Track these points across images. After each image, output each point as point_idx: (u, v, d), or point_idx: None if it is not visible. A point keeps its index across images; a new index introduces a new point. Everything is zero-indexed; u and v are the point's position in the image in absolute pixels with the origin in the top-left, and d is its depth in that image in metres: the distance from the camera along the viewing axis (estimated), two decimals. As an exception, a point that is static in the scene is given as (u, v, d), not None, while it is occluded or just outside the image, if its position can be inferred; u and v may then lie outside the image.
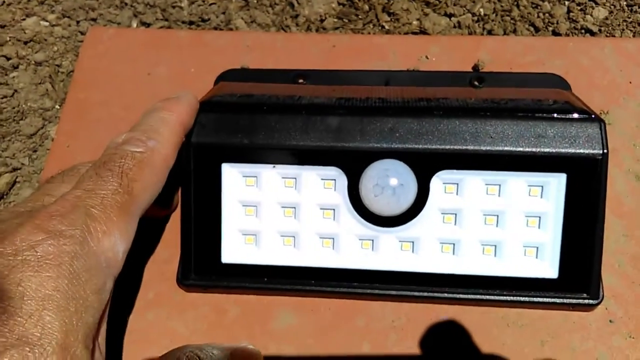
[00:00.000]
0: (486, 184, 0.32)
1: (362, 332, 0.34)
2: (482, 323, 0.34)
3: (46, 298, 0.23)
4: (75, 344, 0.23)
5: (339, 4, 0.48)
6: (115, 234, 0.26)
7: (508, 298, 0.33)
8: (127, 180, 0.27)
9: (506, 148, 0.32)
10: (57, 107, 0.46)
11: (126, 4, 0.49)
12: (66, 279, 0.23)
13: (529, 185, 0.32)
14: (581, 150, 0.31)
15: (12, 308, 0.22)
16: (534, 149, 0.32)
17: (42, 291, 0.23)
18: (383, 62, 0.42)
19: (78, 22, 0.49)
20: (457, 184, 0.33)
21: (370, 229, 0.33)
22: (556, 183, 0.32)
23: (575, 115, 0.32)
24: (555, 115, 0.32)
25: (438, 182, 0.32)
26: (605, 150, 0.31)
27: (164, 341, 0.34)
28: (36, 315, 0.22)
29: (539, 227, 0.32)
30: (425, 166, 0.32)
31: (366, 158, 0.32)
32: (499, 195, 0.32)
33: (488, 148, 0.32)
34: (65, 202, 0.26)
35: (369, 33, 0.47)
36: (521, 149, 0.32)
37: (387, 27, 0.47)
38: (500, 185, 0.32)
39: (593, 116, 0.32)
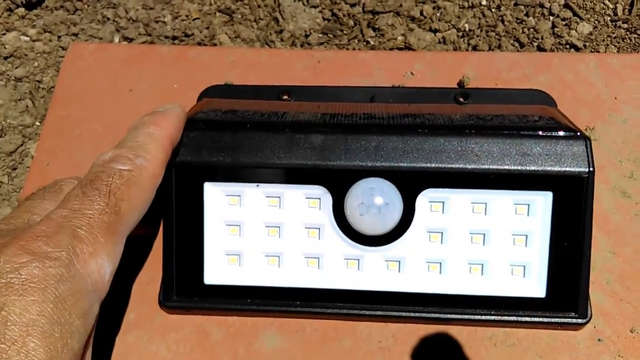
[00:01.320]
0: (472, 202, 0.32)
1: (349, 354, 0.33)
2: (469, 343, 0.33)
3: (30, 323, 0.22)
4: None
5: (324, 19, 0.48)
6: (102, 255, 0.25)
7: (495, 317, 0.32)
8: (115, 199, 0.27)
9: (492, 166, 0.31)
10: (37, 123, 0.45)
11: (108, 18, 0.48)
12: (51, 303, 0.23)
13: (515, 204, 0.32)
14: (567, 169, 0.31)
15: None
16: (519, 167, 0.31)
17: (26, 316, 0.22)
18: (368, 79, 0.42)
19: (59, 37, 0.48)
20: (443, 202, 0.32)
21: (356, 249, 0.32)
22: (542, 201, 0.31)
23: (561, 133, 0.32)
24: (540, 132, 0.32)
25: (424, 200, 0.32)
26: (591, 169, 0.31)
27: (146, 365, 0.33)
28: (20, 341, 0.21)
29: (525, 246, 0.32)
30: (410, 185, 0.32)
31: (351, 176, 0.32)
32: (485, 214, 0.32)
33: (474, 166, 0.31)
34: (50, 222, 0.25)
35: (354, 48, 0.47)
36: (507, 167, 0.31)
37: (372, 42, 0.47)
38: (486, 203, 0.32)
39: (578, 134, 0.32)
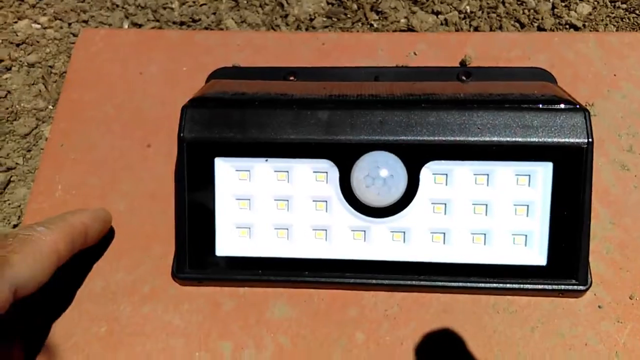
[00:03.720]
0: (475, 174, 0.33)
1: (356, 322, 0.34)
2: (473, 310, 0.34)
3: None
4: None
5: (328, 3, 0.49)
6: None
7: (498, 285, 0.33)
8: (4, 251, 0.28)
9: (493, 138, 0.32)
10: (50, 107, 0.46)
11: (117, 5, 0.49)
12: None
13: (516, 175, 0.33)
14: (567, 140, 0.32)
15: None
16: (520, 139, 0.32)
17: None
18: (372, 59, 0.43)
19: (70, 24, 0.49)
20: (447, 174, 0.33)
21: (362, 220, 0.33)
22: (543, 172, 0.32)
23: (561, 106, 0.33)
24: (540, 105, 0.33)
25: (428, 172, 0.33)
26: (590, 139, 0.32)
27: (160, 334, 0.34)
28: None
29: (527, 216, 0.33)
30: (415, 157, 0.33)
31: (357, 150, 0.33)
32: (487, 185, 0.33)
33: (476, 139, 0.32)
34: None
35: (359, 31, 0.47)
36: (508, 139, 0.32)
37: (375, 25, 0.48)
38: (488, 175, 0.33)
39: (578, 106, 0.33)
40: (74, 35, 0.48)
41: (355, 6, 0.48)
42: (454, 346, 0.33)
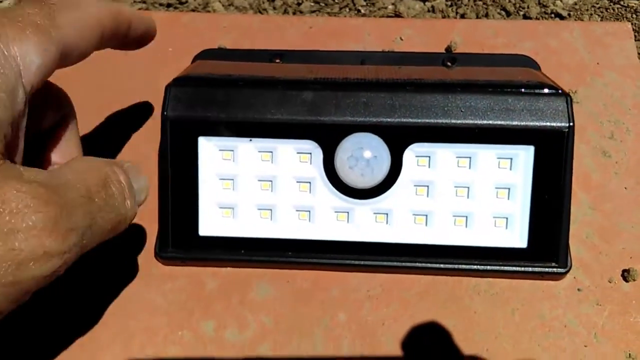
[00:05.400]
0: (457, 157, 0.33)
1: (338, 302, 0.34)
2: (454, 292, 0.34)
3: None
4: None
5: (316, -12, 0.49)
6: (28, 44, 0.24)
7: (479, 267, 0.34)
8: (49, 9, 0.25)
9: (476, 121, 0.33)
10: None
11: (103, -13, 0.49)
12: None
13: (498, 158, 0.33)
14: (548, 123, 0.32)
15: None
16: (502, 122, 0.33)
17: None
18: (358, 44, 0.43)
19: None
20: (429, 156, 0.33)
21: (346, 201, 0.34)
22: (524, 155, 0.33)
23: (543, 90, 0.33)
24: (523, 90, 0.33)
25: (411, 154, 0.33)
26: (571, 123, 0.32)
27: (143, 313, 0.34)
28: None
29: (508, 198, 0.33)
30: (398, 139, 0.33)
31: (341, 131, 0.33)
32: (469, 168, 0.33)
33: (459, 121, 0.33)
34: None
35: (345, 17, 0.48)
36: (490, 122, 0.33)
37: (362, 11, 0.48)
38: (470, 157, 0.33)
39: (560, 91, 0.33)
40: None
41: (342, -8, 0.48)
42: (435, 327, 0.34)
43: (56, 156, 0.31)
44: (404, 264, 0.34)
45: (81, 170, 0.25)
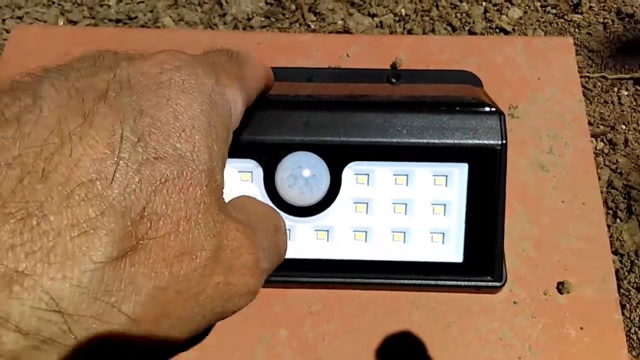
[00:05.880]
0: (395, 174, 0.34)
1: (280, 319, 0.35)
2: (394, 306, 0.35)
3: (194, 117, 0.21)
4: (217, 170, 0.22)
5: (267, 3, 0.49)
6: (236, 89, 0.25)
7: (417, 282, 0.34)
8: (237, 61, 0.27)
9: (412, 140, 0.33)
10: (-19, 104, 0.45)
11: (53, 2, 0.49)
12: (207, 106, 0.22)
13: (434, 175, 0.34)
14: (481, 141, 0.33)
15: (160, 124, 0.21)
16: (438, 141, 0.33)
17: (190, 111, 0.22)
18: (307, 60, 0.44)
19: (4, 20, 0.48)
20: (368, 174, 0.34)
21: (287, 219, 0.34)
22: (459, 172, 0.34)
23: (477, 109, 0.34)
24: (458, 108, 0.34)
25: (350, 173, 0.34)
26: (504, 141, 0.33)
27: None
28: (188, 131, 0.21)
29: (444, 214, 0.34)
30: (337, 158, 0.34)
31: (281, 150, 0.34)
32: (407, 185, 0.34)
33: (396, 140, 0.33)
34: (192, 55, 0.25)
35: (295, 32, 0.48)
36: (426, 140, 0.33)
37: (312, 26, 0.48)
38: (407, 175, 0.34)
39: (493, 109, 0.34)
40: (7, 31, 0.48)
41: (293, 7, 0.49)
42: (375, 341, 0.34)
43: None
44: (344, 279, 0.34)
45: (260, 214, 0.27)
